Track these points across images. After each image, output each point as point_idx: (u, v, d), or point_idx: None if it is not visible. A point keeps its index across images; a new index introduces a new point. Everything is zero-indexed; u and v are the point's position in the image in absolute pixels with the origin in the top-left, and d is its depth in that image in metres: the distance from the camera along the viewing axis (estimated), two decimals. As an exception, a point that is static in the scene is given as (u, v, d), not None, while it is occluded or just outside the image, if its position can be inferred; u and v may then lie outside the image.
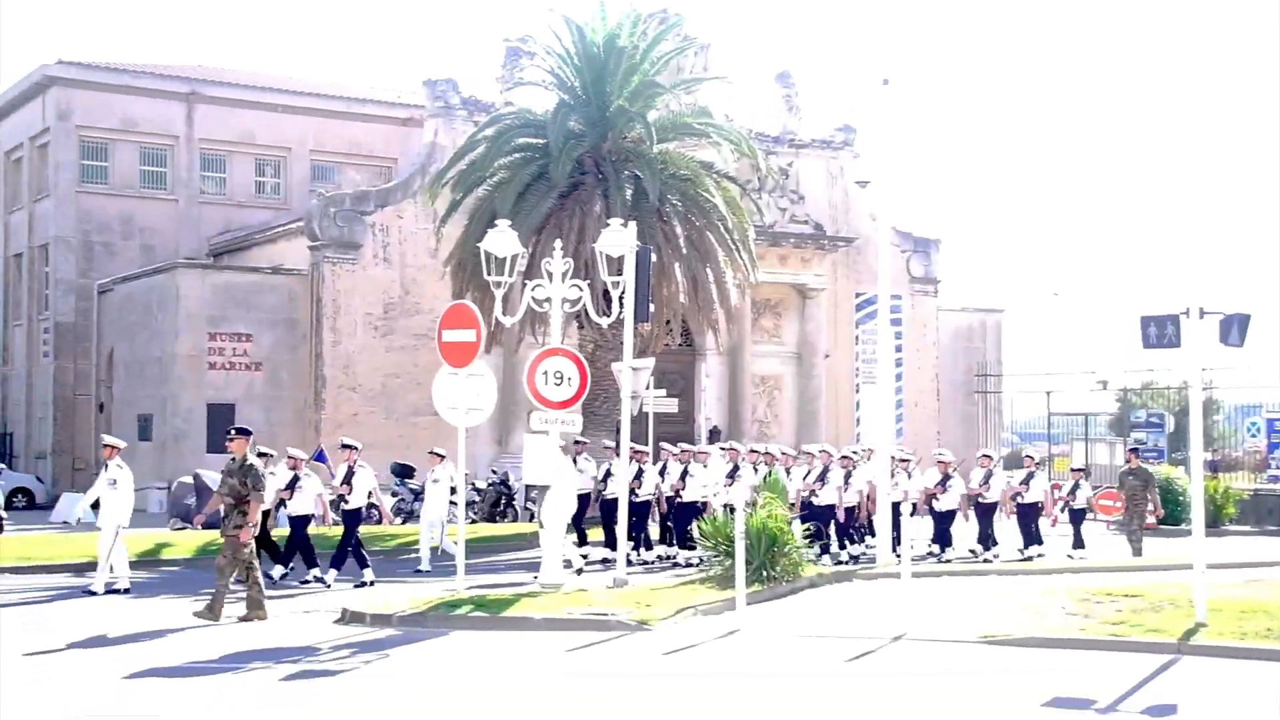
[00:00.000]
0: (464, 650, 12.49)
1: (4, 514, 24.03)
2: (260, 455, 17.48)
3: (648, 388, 24.53)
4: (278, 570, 17.76)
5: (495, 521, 27.63)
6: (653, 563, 20.11)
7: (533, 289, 16.93)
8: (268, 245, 37.26)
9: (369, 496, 18.19)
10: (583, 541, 20.70)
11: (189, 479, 26.92)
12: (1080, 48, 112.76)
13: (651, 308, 19.08)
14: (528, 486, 21.43)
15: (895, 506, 19.17)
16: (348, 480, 17.92)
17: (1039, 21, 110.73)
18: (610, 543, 20.09)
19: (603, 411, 25.14)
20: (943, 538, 20.57)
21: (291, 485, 17.99)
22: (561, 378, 16.24)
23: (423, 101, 35.01)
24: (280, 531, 18.72)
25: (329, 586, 17.12)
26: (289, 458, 18.43)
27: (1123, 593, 14.92)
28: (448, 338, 16.35)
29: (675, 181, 25.80)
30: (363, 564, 17.72)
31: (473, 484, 28.07)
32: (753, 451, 20.45)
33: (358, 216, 33.19)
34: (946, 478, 20.55)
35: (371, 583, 17.21)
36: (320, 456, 21.32)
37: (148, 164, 40.36)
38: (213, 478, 25.28)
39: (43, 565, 18.73)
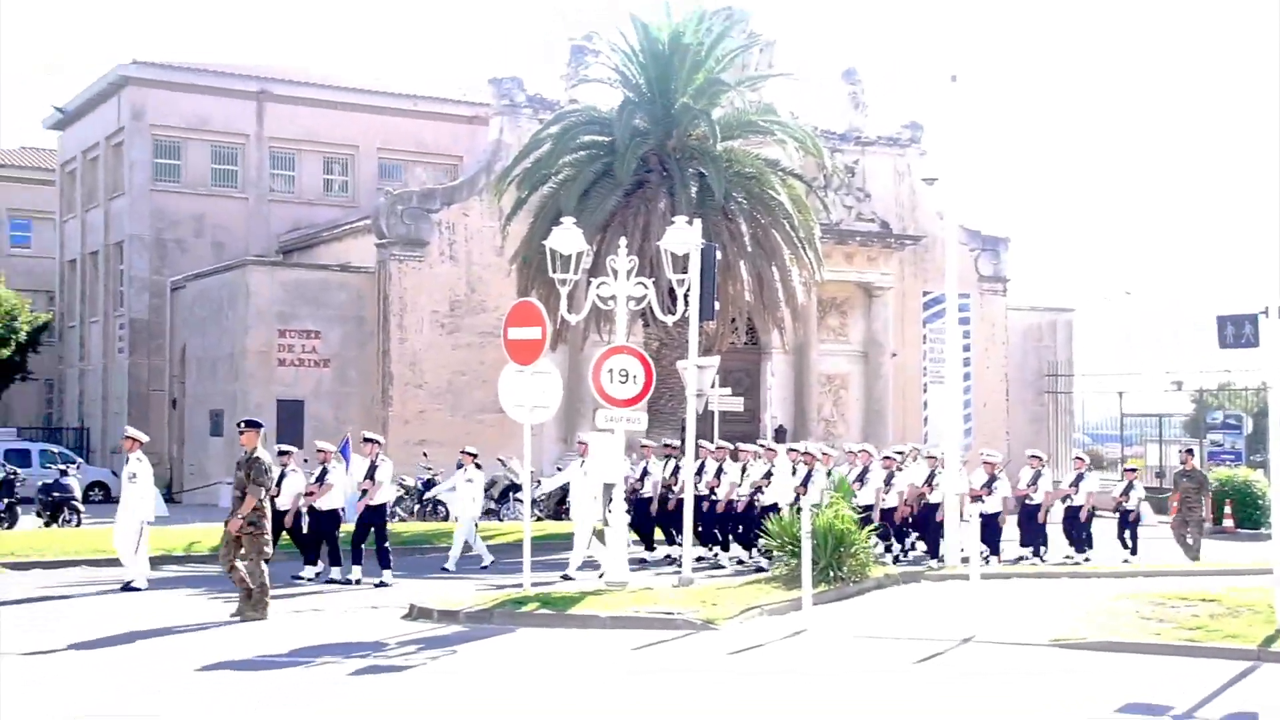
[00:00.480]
0: (530, 647, 12.55)
1: (82, 507, 24.74)
2: (281, 454, 17.65)
3: (713, 386, 24.49)
4: (309, 570, 17.59)
5: (558, 519, 27.66)
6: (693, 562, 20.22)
7: (598, 286, 16.95)
8: (335, 243, 37.69)
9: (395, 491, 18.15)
10: (650, 545, 20.67)
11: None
12: (1152, 41, 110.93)
13: (717, 306, 19.03)
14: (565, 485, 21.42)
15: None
16: (370, 475, 17.61)
17: (1109, 16, 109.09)
18: (647, 543, 20.11)
19: (668, 410, 25.13)
20: (989, 542, 20.28)
21: (321, 479, 17.75)
22: (627, 375, 16.24)
23: (488, 100, 35.21)
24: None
25: (387, 585, 16.99)
26: (318, 451, 18.24)
27: (1198, 597, 14.64)
28: (513, 335, 16.41)
29: (740, 179, 25.72)
30: (382, 563, 17.36)
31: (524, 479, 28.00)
32: (791, 451, 20.23)
33: (424, 214, 33.45)
34: (992, 479, 20.25)
35: (361, 582, 16.95)
36: (345, 450, 21.21)
37: (219, 162, 41.02)
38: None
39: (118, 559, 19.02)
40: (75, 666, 11.18)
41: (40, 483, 25.70)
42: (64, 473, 25.15)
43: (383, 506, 17.86)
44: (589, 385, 16.96)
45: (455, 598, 15.09)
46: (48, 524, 24.16)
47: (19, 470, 25.81)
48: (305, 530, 17.84)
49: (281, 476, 17.73)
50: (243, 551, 14.01)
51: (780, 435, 34.08)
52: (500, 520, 27.78)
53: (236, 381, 33.15)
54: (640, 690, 10.49)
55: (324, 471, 17.83)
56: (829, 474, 19.91)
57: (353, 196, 42.41)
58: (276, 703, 9.82)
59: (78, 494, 25.02)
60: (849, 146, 37.84)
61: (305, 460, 19.57)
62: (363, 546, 17.62)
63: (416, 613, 14.28)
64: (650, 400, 20.25)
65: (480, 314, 33.52)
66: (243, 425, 14.54)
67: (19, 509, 24.62)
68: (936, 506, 19.94)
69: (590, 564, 18.08)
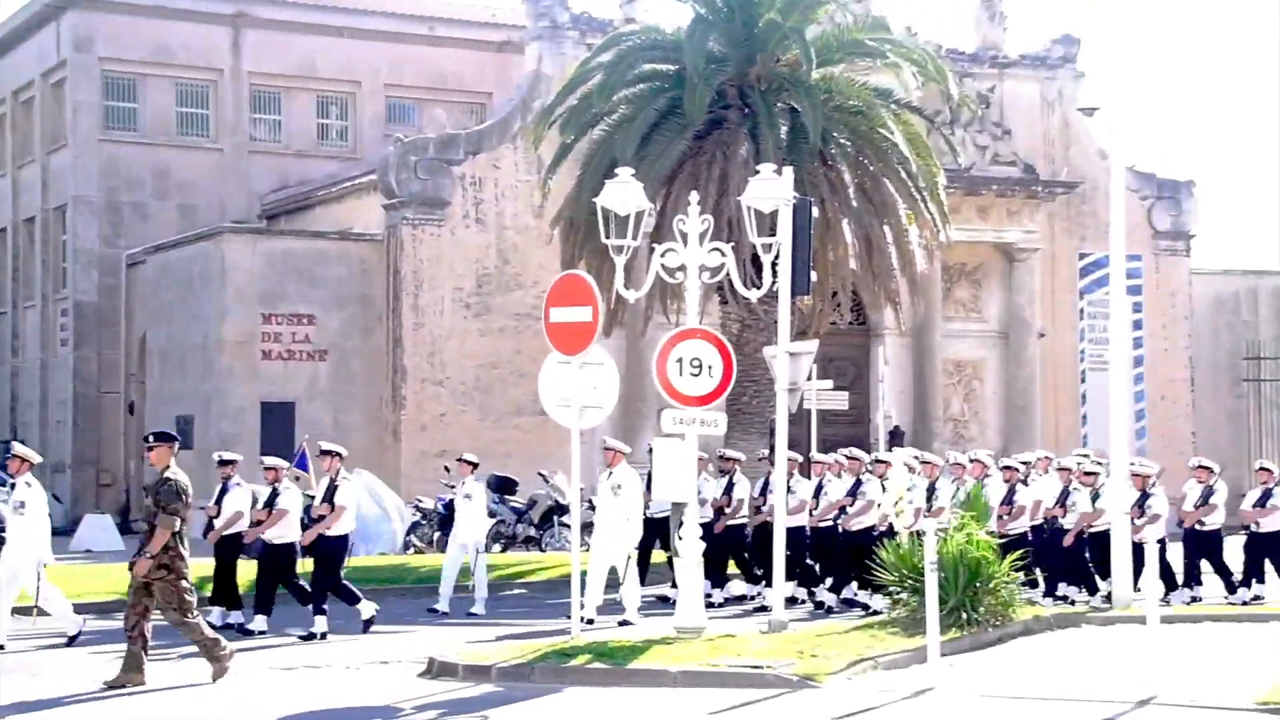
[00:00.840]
0: (579, 712, 12.61)
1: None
2: (222, 463, 17.71)
3: (809, 378, 24.43)
4: (259, 621, 17.56)
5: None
6: (723, 604, 20.38)
7: (662, 255, 16.99)
8: (333, 204, 38.07)
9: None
10: (720, 582, 20.68)
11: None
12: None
13: (813, 276, 18.98)
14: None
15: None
16: (330, 498, 17.41)
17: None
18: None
19: (752, 409, 25.15)
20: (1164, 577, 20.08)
21: (270, 503, 17.67)
22: (700, 366, 16.26)
23: (523, 21, 35.39)
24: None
25: (316, 637, 16.92)
26: (266, 468, 18.15)
27: None
28: (557, 317, 16.47)
29: (842, 115, 25.65)
30: (352, 600, 17.44)
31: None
32: (879, 463, 20.20)
33: (444, 167, 33.70)
34: (1145, 495, 20.05)
35: (323, 635, 16.91)
36: (301, 462, 21.22)
37: (186, 104, 41.55)
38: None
39: (83, 603, 19.36)
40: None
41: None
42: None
43: (344, 539, 17.66)
44: (652, 379, 17.01)
45: (487, 650, 15.22)
46: None
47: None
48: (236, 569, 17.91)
49: (222, 492, 17.71)
50: (158, 603, 13.58)
51: (896, 439, 33.96)
52: (543, 550, 27.96)
53: (210, 380, 33.62)
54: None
55: (274, 494, 17.72)
56: (959, 489, 19.82)
57: (354, 146, 42.80)
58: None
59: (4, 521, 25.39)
60: (983, 70, 37.58)
61: (297, 478, 19.75)
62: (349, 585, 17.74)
63: (437, 669, 14.43)
64: (730, 397, 20.29)
65: (515, 291, 33.71)
66: (150, 439, 14.26)
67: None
68: (1073, 534, 19.88)
69: (612, 605, 18.21)
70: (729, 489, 20.83)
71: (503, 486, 29.37)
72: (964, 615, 15.99)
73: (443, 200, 33.63)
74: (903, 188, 25.71)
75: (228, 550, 18.37)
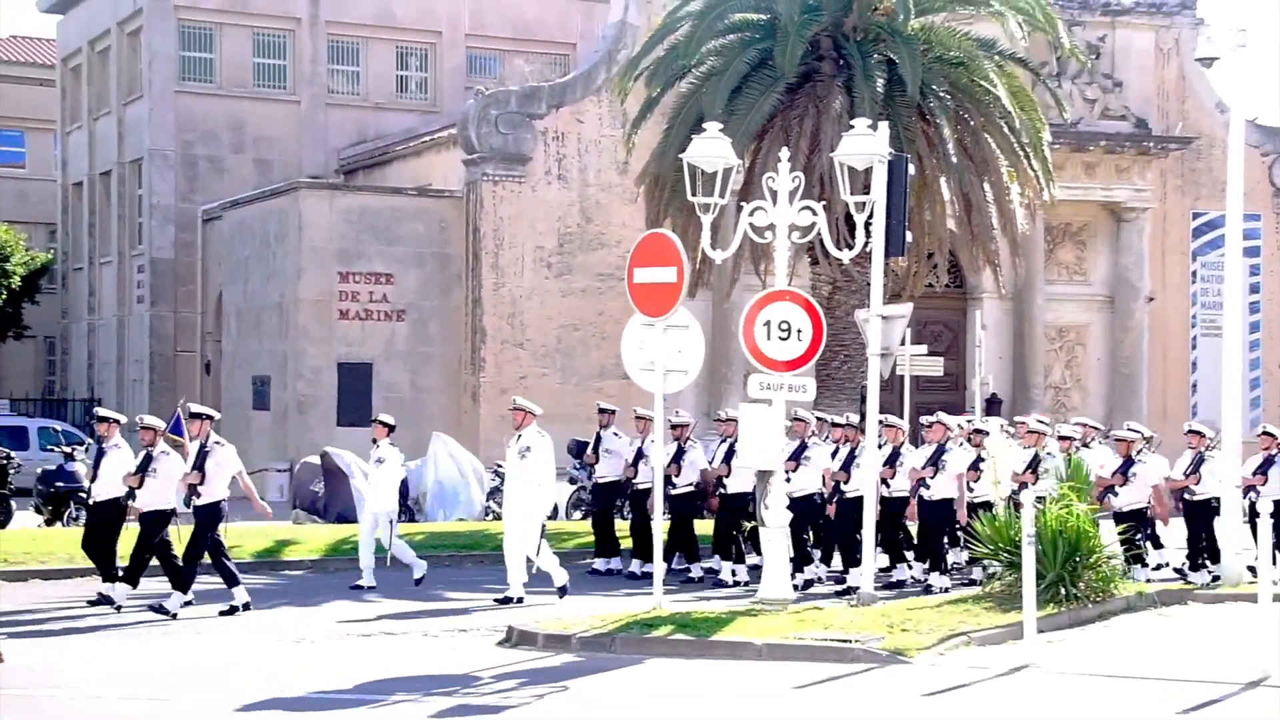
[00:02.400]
0: (661, 683, 12.73)
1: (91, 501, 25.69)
2: (99, 420, 17.18)
3: (903, 343, 24.30)
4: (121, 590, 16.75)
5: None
6: (700, 580, 19.73)
7: (751, 213, 16.97)
8: (412, 159, 38.33)
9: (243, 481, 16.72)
10: (800, 564, 19.52)
11: (315, 459, 27.94)
12: None
13: (909, 237, 18.87)
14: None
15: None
16: (200, 465, 16.58)
17: None
18: (642, 552, 19.72)
19: (842, 374, 25.09)
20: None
21: (144, 468, 16.64)
22: (789, 330, 16.25)
23: (608, -32, 35.34)
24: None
25: (119, 609, 16.37)
26: (143, 428, 17.13)
27: None
28: (641, 278, 16.51)
29: (942, 67, 25.42)
30: (231, 581, 16.63)
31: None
32: (977, 433, 19.89)
33: (526, 121, 33.80)
34: (1129, 462, 19.59)
35: (246, 605, 16.35)
36: (177, 426, 20.79)
37: (263, 55, 41.92)
38: (346, 458, 26.26)
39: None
40: (88, 704, 11.70)
41: (40, 469, 26.74)
42: (69, 457, 26.05)
43: (216, 507, 16.64)
44: (739, 343, 17.02)
45: (567, 620, 15.37)
46: (49, 522, 25.17)
47: (13, 454, 26.89)
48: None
49: (100, 456, 17.01)
50: None
51: (993, 406, 33.76)
52: (624, 518, 28.02)
53: (286, 339, 34.02)
54: (806, 741, 10.58)
55: (148, 459, 16.74)
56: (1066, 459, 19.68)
57: (434, 99, 43.03)
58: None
59: (86, 484, 25.94)
60: (1093, 18, 37.14)
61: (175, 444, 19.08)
62: (228, 561, 16.73)
63: (517, 638, 14.60)
64: (819, 362, 20.25)
65: (598, 250, 33.81)
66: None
67: (13, 503, 25.65)
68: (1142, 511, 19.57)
69: (541, 581, 17.52)
70: (678, 456, 19.81)
71: (583, 452, 29.47)
72: (1063, 590, 15.92)
73: (524, 155, 33.74)
74: (1005, 144, 25.46)
75: (104, 516, 17.25)
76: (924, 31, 25.41)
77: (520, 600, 17.05)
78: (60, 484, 25.42)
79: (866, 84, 24.18)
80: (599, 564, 20.91)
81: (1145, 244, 37.63)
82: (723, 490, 19.80)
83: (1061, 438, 20.77)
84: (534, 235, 33.72)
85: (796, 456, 19.14)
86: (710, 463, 20.27)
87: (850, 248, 17.94)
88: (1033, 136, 25.64)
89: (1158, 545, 20.48)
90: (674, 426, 19.95)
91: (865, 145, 16.92)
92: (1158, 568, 20.06)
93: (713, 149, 16.68)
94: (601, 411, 21.20)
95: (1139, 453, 19.80)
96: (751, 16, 25.92)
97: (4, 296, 43.22)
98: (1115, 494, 19.28)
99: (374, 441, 19.08)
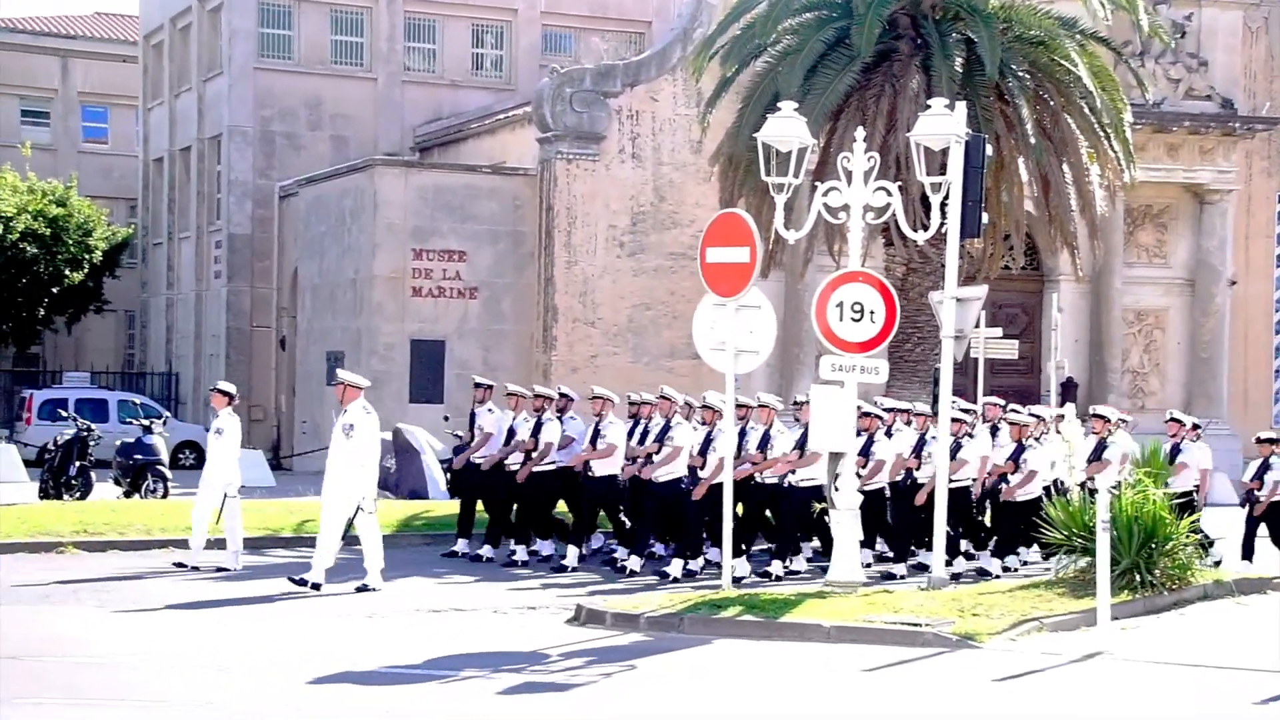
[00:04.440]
0: (728, 664, 12.72)
1: (169, 474, 26.05)
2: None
3: (977, 325, 24.11)
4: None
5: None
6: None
7: (825, 194, 16.88)
8: (486, 137, 38.44)
9: None
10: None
11: (388, 435, 28.06)
12: None
13: (985, 218, 18.71)
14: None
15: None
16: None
17: None
18: (574, 535, 18.82)
19: (915, 356, 24.91)
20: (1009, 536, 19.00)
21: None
22: (862, 311, 16.17)
23: (684, -54, 35.22)
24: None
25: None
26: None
27: None
28: (714, 257, 16.48)
29: (1021, 46, 25.14)
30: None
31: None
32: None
33: (600, 99, 33.78)
34: (1020, 449, 18.88)
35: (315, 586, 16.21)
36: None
37: (340, 32, 42.15)
38: (418, 435, 26.38)
39: (217, 539, 19.97)
40: (159, 676, 11.84)
41: (119, 442, 27.08)
42: (148, 430, 26.41)
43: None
44: (811, 323, 16.94)
45: (635, 599, 15.39)
46: (128, 494, 25.50)
47: (94, 426, 27.23)
48: None
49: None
50: None
51: (1068, 390, 33.47)
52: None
53: (360, 316, 34.24)
54: (873, 725, 10.53)
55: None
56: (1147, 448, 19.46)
57: (508, 77, 43.11)
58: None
59: (164, 456, 26.31)
60: (1180, -4, 36.70)
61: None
62: None
63: (585, 616, 14.64)
64: (892, 344, 20.10)
65: (671, 230, 33.76)
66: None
67: (94, 474, 26.00)
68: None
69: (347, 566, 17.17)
70: (595, 437, 18.72)
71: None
72: (1137, 577, 15.77)
73: (598, 134, 33.72)
74: (1085, 124, 25.15)
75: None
76: (1004, 10, 25.14)
77: (316, 586, 16.03)
78: (139, 456, 25.76)
79: (944, 63, 23.95)
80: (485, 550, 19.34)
81: (1229, 227, 37.15)
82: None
83: (1013, 424, 19.55)
84: (607, 214, 33.72)
85: (803, 445, 18.02)
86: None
87: (925, 229, 17.81)
88: (1114, 117, 25.32)
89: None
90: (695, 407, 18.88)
91: (942, 125, 16.77)
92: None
93: (788, 128, 16.60)
94: (476, 386, 19.84)
95: (1030, 438, 19.12)
96: (828, -5, 25.73)
97: (86, 271, 43.78)
98: (1006, 482, 18.69)
99: (213, 411, 18.38)
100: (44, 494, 25.48)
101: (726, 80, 26.64)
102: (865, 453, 18.23)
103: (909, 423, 19.13)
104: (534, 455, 18.78)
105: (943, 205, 16.90)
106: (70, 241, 43.09)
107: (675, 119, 33.83)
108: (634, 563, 18.04)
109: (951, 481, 17.81)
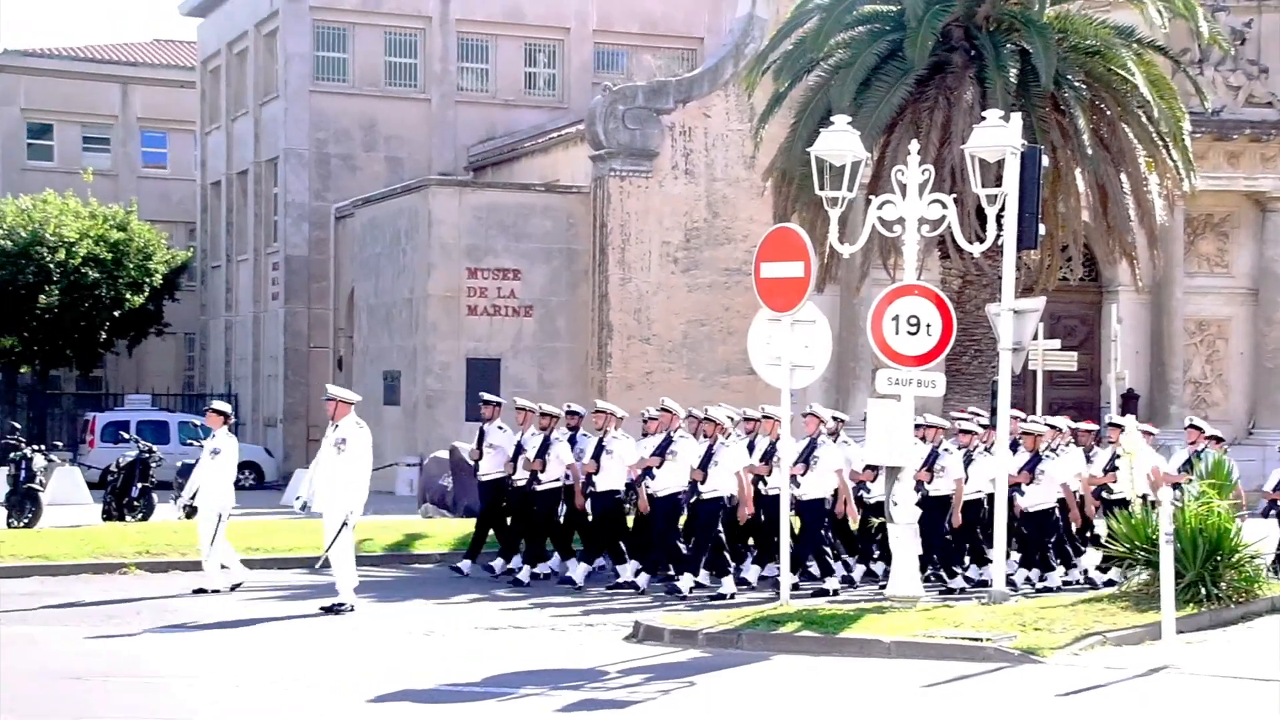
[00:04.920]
0: (788, 680, 12.66)
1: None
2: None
3: (1035, 337, 23.97)
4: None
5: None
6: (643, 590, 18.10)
7: (880, 207, 16.83)
8: (539, 155, 38.56)
9: None
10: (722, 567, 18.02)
11: (444, 454, 28.21)
12: None
13: (1042, 230, 18.59)
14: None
15: None
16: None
17: None
18: (516, 550, 18.93)
19: (972, 370, 24.78)
20: (1031, 548, 18.75)
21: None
22: (918, 324, 16.09)
23: (736, -39, 35.23)
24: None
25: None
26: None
27: None
28: (768, 273, 16.46)
29: (1077, 56, 25.00)
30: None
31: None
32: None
33: (653, 116, 33.82)
34: (1036, 459, 18.71)
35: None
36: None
37: (394, 54, 42.42)
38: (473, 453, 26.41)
39: (275, 558, 20.11)
40: (220, 695, 11.90)
41: (180, 463, 27.20)
42: (209, 450, 26.55)
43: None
44: (867, 338, 16.87)
45: (693, 616, 15.35)
46: (189, 514, 25.65)
47: (155, 447, 27.44)
48: None
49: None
50: None
51: (1130, 402, 33.21)
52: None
53: (416, 335, 34.39)
54: (935, 741, 10.45)
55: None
56: (1201, 456, 19.23)
57: (561, 95, 43.23)
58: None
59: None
60: (1239, 3, 36.49)
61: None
62: None
63: (643, 633, 14.61)
64: (949, 357, 19.98)
65: (725, 245, 33.74)
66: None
67: (155, 495, 26.21)
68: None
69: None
70: (598, 453, 18.53)
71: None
72: (1203, 590, 15.59)
73: (651, 151, 33.77)
74: (1143, 133, 24.97)
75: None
76: (1059, 20, 25.01)
77: (351, 608, 15.99)
78: (199, 477, 25.86)
79: (999, 74, 23.84)
80: (497, 565, 19.40)
81: (1291, 235, 36.82)
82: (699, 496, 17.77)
83: (962, 432, 19.23)
84: (660, 230, 33.74)
85: (806, 459, 18.00)
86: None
87: (981, 240, 17.69)
88: (1172, 126, 25.12)
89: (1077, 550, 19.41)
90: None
91: (997, 137, 16.69)
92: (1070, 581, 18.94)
93: (841, 142, 16.56)
94: (485, 404, 19.86)
95: (1048, 449, 19.01)
96: (881, 8, 25.66)
97: (146, 294, 44.23)
98: (1021, 493, 18.44)
99: (206, 432, 18.17)
100: (107, 515, 25.69)
101: (779, 95, 26.62)
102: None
103: (923, 438, 18.68)
104: (540, 475, 18.69)
105: (999, 217, 16.80)
106: (131, 265, 43.57)
107: (728, 134, 33.83)
108: (685, 582, 17.68)
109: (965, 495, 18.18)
